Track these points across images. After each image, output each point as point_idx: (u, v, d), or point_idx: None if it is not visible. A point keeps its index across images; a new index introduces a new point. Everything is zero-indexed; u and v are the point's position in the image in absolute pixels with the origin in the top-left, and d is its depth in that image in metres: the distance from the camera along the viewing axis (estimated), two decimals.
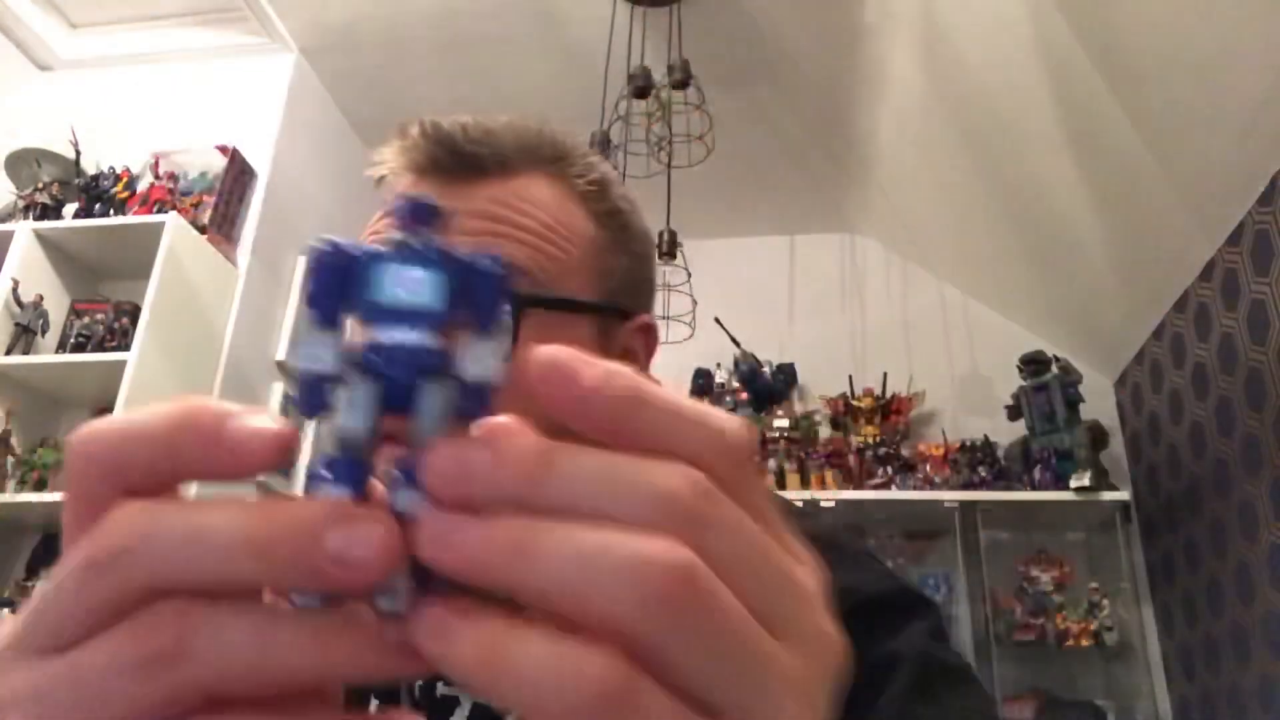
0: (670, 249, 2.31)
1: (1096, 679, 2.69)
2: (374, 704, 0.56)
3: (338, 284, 0.20)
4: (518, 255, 0.51)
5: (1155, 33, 1.89)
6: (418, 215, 0.21)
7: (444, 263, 0.20)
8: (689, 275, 2.47)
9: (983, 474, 2.77)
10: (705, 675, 0.19)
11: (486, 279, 0.21)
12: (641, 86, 2.23)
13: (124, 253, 2.33)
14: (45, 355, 2.19)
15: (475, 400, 0.21)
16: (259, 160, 2.58)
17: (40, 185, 2.39)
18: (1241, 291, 2.15)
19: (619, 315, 0.57)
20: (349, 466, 0.20)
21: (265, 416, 0.20)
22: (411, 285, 0.20)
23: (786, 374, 3.14)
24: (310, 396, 0.20)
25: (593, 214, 0.56)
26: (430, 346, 0.20)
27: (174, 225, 2.20)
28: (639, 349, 0.59)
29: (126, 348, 2.10)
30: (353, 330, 0.21)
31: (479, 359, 0.21)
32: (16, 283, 2.18)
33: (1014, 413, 2.88)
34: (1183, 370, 2.49)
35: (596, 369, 0.20)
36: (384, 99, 2.94)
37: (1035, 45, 2.14)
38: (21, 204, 2.39)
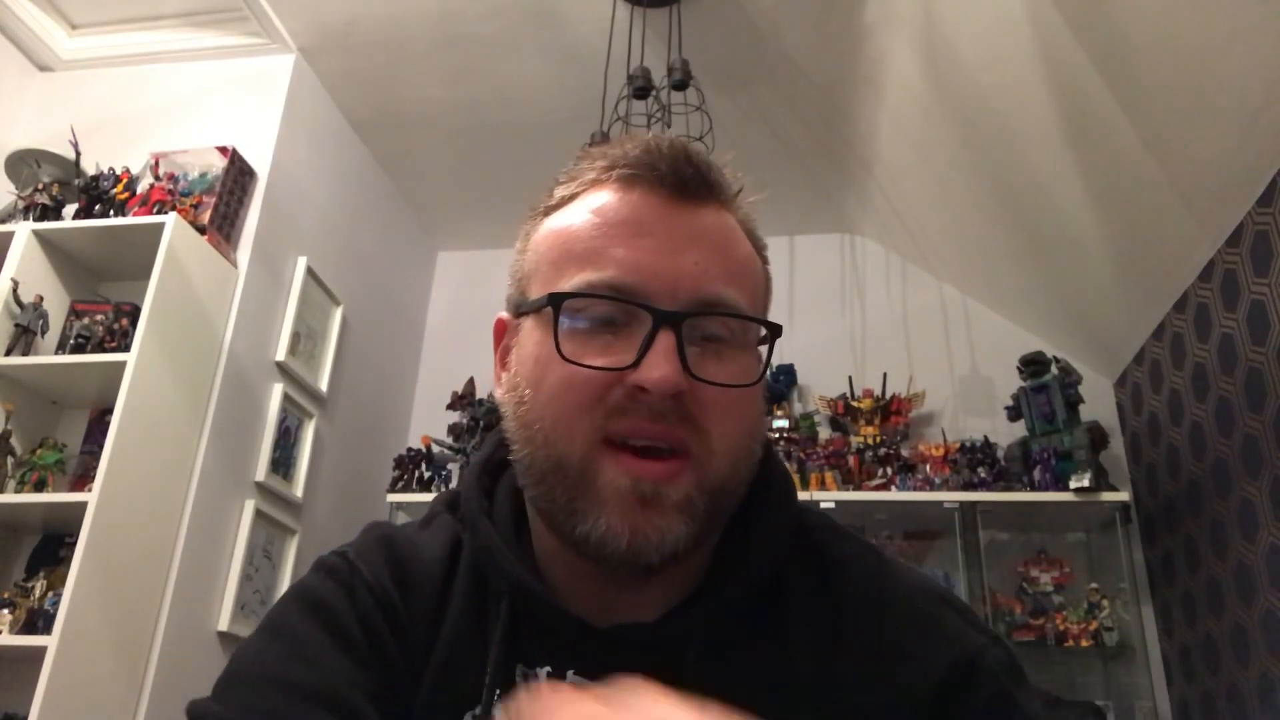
0: None
1: (1096, 679, 2.70)
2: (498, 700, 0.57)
3: None
4: (742, 285, 0.57)
5: (1155, 33, 1.89)
6: None
7: None
8: None
9: (983, 474, 2.76)
10: None
11: None
12: (641, 87, 2.23)
13: (124, 253, 2.32)
14: (45, 356, 2.19)
15: None
16: (259, 160, 2.58)
17: (40, 186, 2.39)
18: (1241, 292, 2.15)
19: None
20: None
21: None
22: None
23: (786, 374, 3.14)
24: None
25: (756, 249, 0.62)
26: None
27: (174, 226, 2.20)
28: None
29: (126, 348, 2.10)
30: None
31: None
32: (16, 283, 2.18)
33: (1014, 413, 2.88)
34: (1182, 370, 2.49)
35: None
36: (384, 99, 2.94)
37: (1034, 45, 2.14)
38: (21, 204, 2.39)
